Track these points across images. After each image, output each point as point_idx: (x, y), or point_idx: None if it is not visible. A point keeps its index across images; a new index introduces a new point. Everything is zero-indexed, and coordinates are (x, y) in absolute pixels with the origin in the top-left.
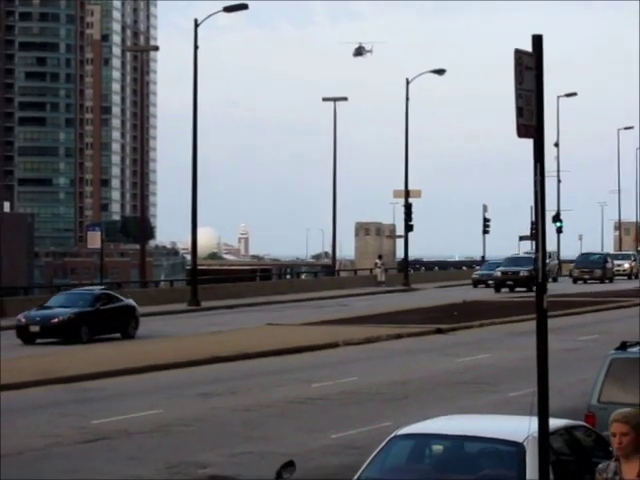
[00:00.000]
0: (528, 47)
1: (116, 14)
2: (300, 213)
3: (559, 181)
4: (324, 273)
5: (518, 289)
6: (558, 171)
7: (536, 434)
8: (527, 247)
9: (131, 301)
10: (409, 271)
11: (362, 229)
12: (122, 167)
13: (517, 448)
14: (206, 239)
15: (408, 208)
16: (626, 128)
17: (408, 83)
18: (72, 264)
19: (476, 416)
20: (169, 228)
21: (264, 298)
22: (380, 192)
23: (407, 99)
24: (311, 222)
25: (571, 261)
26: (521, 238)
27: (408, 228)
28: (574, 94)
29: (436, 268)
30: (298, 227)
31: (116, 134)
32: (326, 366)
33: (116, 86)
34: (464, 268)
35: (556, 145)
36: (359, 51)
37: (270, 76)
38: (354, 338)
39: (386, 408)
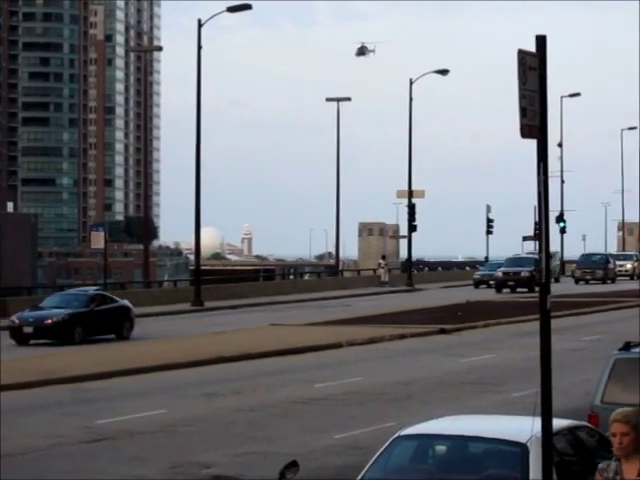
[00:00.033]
0: (531, 47)
1: (120, 14)
2: (303, 213)
3: (562, 181)
4: (327, 273)
5: (519, 290)
6: (561, 171)
7: (539, 434)
8: (531, 247)
9: (126, 302)
10: (412, 271)
11: (365, 229)
12: (125, 167)
13: (520, 448)
14: (209, 239)
15: (411, 208)
16: (630, 128)
17: (412, 83)
18: (75, 264)
19: (480, 416)
20: (173, 228)
21: (267, 298)
22: (383, 192)
23: (411, 99)
24: (314, 222)
25: (574, 261)
26: (524, 238)
27: (411, 228)
28: (577, 94)
29: (439, 268)
30: (301, 227)
31: (119, 134)
32: (329, 366)
33: (120, 86)
34: (467, 268)
35: (559, 145)
36: (362, 51)
37: (273, 76)
38: (357, 338)
39: (390, 408)
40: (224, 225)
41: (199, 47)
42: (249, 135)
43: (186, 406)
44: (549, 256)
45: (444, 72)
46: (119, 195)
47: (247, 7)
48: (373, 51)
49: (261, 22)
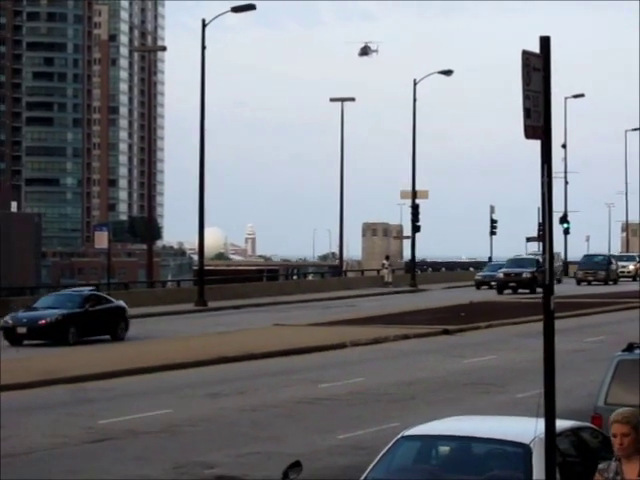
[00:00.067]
0: (535, 48)
1: (124, 14)
2: (307, 213)
3: (566, 182)
4: (331, 274)
5: (521, 291)
6: (565, 172)
7: (543, 435)
8: (534, 248)
9: (121, 302)
10: (416, 272)
11: (369, 230)
12: (129, 167)
13: (524, 449)
14: (213, 239)
15: (415, 209)
16: (634, 129)
17: (416, 84)
18: (79, 264)
19: (483, 417)
20: (176, 228)
21: (271, 298)
22: (387, 193)
23: (415, 100)
24: (318, 222)
25: (577, 263)
26: (528, 239)
27: (415, 229)
28: (581, 95)
29: (443, 269)
30: (305, 227)
31: (123, 134)
32: (333, 367)
33: (123, 86)
34: (471, 269)
35: (563, 146)
36: (365, 51)
37: (277, 76)
38: (361, 339)
39: (393, 409)
40: (228, 225)
41: (203, 47)
42: (253, 135)
43: (190, 406)
44: (553, 257)
45: (448, 72)
46: (123, 195)
47: (251, 7)
48: (376, 51)
49: (265, 22)
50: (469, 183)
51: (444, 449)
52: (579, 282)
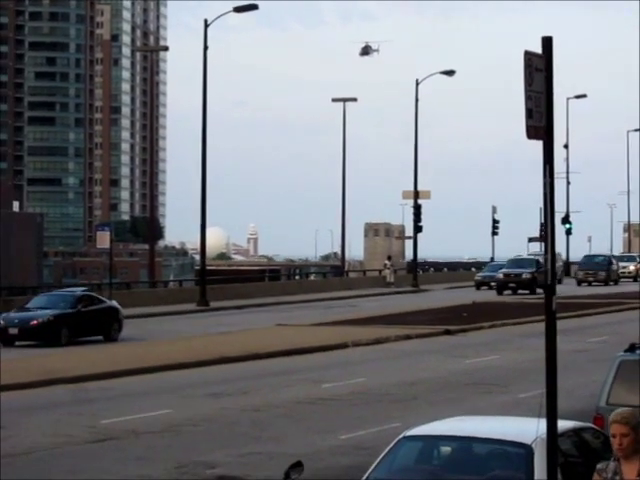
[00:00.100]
0: (537, 48)
1: (126, 14)
2: (309, 213)
3: (568, 183)
4: (333, 274)
5: (520, 291)
6: (567, 173)
7: (544, 436)
8: (536, 248)
9: (114, 303)
10: (418, 272)
11: (371, 230)
12: (131, 167)
13: (525, 450)
14: (215, 239)
15: (417, 209)
16: (635, 130)
17: (418, 84)
18: (81, 264)
19: (485, 417)
20: (178, 228)
21: (273, 298)
22: (389, 193)
23: (417, 100)
24: (320, 222)
25: (578, 263)
26: (530, 240)
27: (417, 229)
28: (584, 96)
29: (445, 269)
30: (307, 227)
31: (125, 134)
32: (335, 367)
33: (126, 86)
34: (473, 269)
35: (565, 147)
36: (366, 50)
37: (279, 76)
38: (363, 339)
39: (395, 409)
40: (230, 225)
41: (205, 47)
42: (254, 135)
43: (191, 406)
44: (555, 257)
45: (450, 73)
46: (125, 195)
47: (254, 7)
48: (377, 51)
49: (267, 22)
50: (471, 183)
51: (446, 449)
52: (579, 283)
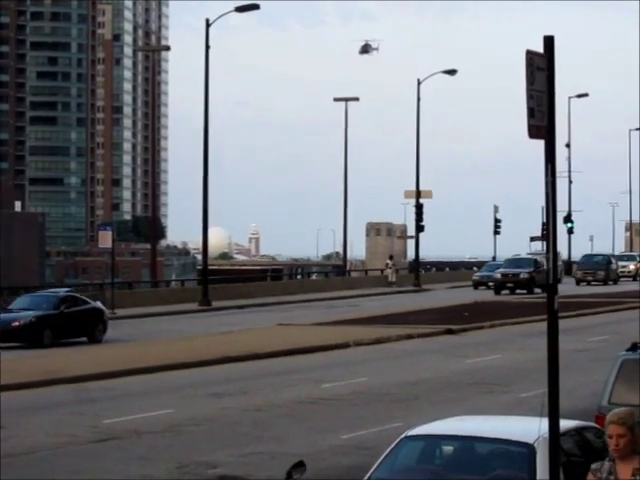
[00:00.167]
0: (539, 48)
1: (127, 14)
2: (311, 213)
3: (570, 182)
4: (335, 273)
5: (518, 291)
6: (569, 172)
7: (547, 435)
8: (538, 247)
9: (99, 304)
10: (420, 272)
11: (373, 229)
12: (133, 167)
13: (527, 449)
14: (217, 239)
15: (419, 208)
16: (637, 129)
17: (419, 84)
18: (83, 263)
19: (486, 417)
20: (180, 228)
21: (275, 298)
22: (391, 192)
23: (418, 99)
24: (322, 222)
25: (577, 262)
26: (532, 239)
27: (419, 228)
28: (585, 95)
29: (447, 269)
30: (309, 227)
31: (127, 134)
32: (337, 366)
33: (127, 86)
34: (475, 269)
35: (567, 146)
36: (365, 49)
37: (280, 76)
38: (365, 338)
39: (397, 409)
40: (232, 225)
41: (207, 47)
42: (256, 135)
43: (193, 406)
44: (557, 257)
45: (452, 72)
46: (127, 194)
47: (255, 7)
48: (377, 49)
49: (269, 22)
50: (473, 182)
51: (448, 449)
52: (578, 282)
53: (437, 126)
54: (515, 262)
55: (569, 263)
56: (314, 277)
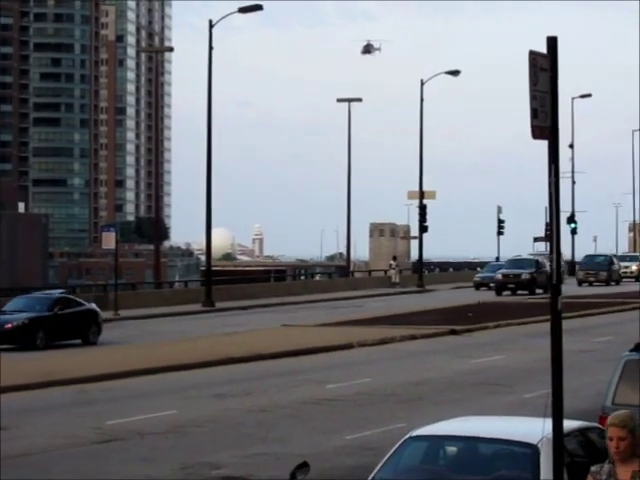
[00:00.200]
0: (542, 48)
1: (131, 15)
2: (314, 214)
3: (574, 182)
4: (338, 274)
5: (520, 292)
6: (573, 172)
7: (550, 436)
8: (542, 248)
9: (93, 305)
10: (423, 272)
11: (376, 230)
12: (137, 168)
13: (531, 450)
14: (220, 240)
15: (422, 209)
16: None
17: (423, 84)
18: (87, 265)
19: (490, 417)
20: (184, 229)
21: (278, 299)
22: (395, 193)
23: (422, 100)
24: (325, 223)
25: (579, 263)
26: (536, 239)
27: (422, 229)
28: (589, 95)
29: (450, 269)
30: (312, 228)
31: (131, 135)
32: (340, 367)
33: (131, 87)
34: (478, 269)
35: (571, 146)
36: (367, 49)
37: (284, 77)
38: (368, 339)
39: (400, 409)
40: (235, 226)
41: (210, 48)
42: (259, 135)
43: (196, 407)
44: (560, 257)
45: (455, 73)
46: (130, 196)
47: (258, 8)
48: (379, 49)
49: (272, 23)
50: (476, 183)
51: (451, 449)
52: (580, 283)
53: (440, 127)
54: (516, 263)
55: (572, 264)
56: (318, 278)
